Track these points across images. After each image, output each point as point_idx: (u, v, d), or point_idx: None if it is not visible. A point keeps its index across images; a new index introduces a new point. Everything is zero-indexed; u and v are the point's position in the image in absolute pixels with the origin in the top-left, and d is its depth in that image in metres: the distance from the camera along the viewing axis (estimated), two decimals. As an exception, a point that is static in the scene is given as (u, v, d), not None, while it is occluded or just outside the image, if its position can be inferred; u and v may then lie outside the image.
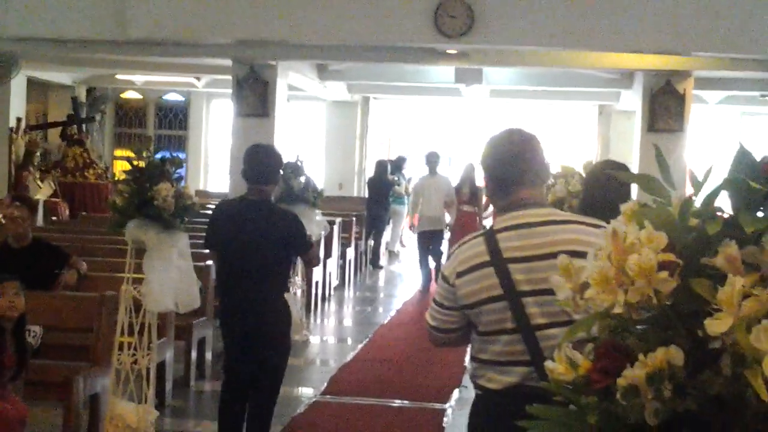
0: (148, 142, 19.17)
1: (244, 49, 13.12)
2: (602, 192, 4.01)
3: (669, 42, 11.61)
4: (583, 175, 5.15)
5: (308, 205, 9.93)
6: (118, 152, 20.72)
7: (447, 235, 13.96)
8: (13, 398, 5.22)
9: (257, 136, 12.97)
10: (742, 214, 1.53)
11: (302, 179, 10.22)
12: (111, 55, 14.61)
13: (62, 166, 16.90)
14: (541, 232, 3.07)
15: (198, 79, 19.31)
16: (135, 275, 5.84)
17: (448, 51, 13.08)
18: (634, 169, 12.44)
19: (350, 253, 14.64)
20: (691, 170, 1.75)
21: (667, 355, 1.53)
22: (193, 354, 8.08)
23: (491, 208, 12.62)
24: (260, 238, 5.67)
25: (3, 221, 6.87)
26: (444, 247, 13.82)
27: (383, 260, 17.59)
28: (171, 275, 5.74)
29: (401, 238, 19.33)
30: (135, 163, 5.85)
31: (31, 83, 17.40)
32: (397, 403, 7.81)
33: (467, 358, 3.40)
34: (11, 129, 15.89)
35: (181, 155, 20.42)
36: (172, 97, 21.71)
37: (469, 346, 3.29)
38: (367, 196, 17.69)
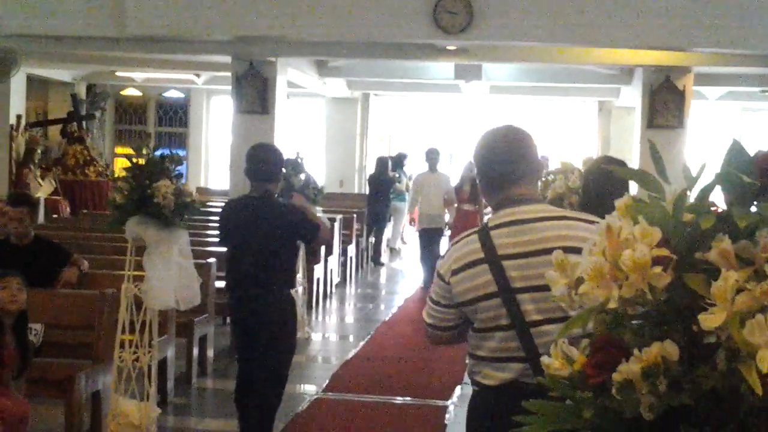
0: (148, 139, 19.22)
1: (244, 46, 13.12)
2: (600, 188, 4.02)
3: (669, 38, 11.60)
4: (582, 171, 5.16)
5: (309, 202, 9.93)
6: (119, 149, 20.72)
7: (447, 233, 13.93)
8: (15, 396, 5.23)
9: (257, 132, 13.01)
10: (735, 208, 1.54)
11: (302, 176, 10.24)
12: (111, 51, 14.59)
13: (63, 163, 16.90)
14: (535, 228, 3.08)
15: (198, 76, 19.31)
16: (136, 273, 5.85)
17: (447, 47, 13.08)
18: (634, 165, 12.45)
19: (351, 250, 14.64)
20: (685, 165, 1.76)
21: (662, 350, 1.54)
22: (195, 351, 8.09)
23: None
24: (264, 234, 5.85)
25: (3, 220, 6.89)
26: (443, 245, 13.79)
27: (384, 257, 17.60)
28: (171, 272, 5.75)
29: (402, 235, 19.33)
30: (134, 160, 5.85)
31: (31, 80, 17.39)
32: (399, 400, 7.82)
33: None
34: (11, 126, 15.90)
35: (182, 152, 20.41)
36: (172, 94, 21.70)
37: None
38: (367, 193, 17.68)
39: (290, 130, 16.45)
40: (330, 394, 7.98)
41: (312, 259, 11.21)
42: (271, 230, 5.86)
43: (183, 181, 6.24)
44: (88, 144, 17.55)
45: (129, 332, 5.81)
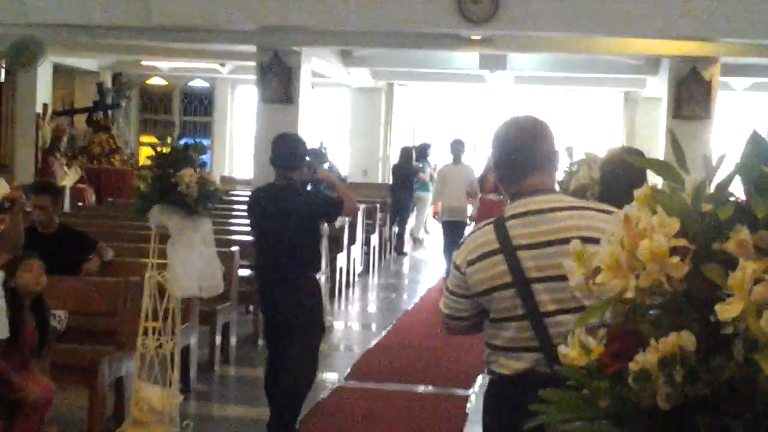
0: (172, 128, 19.30)
1: (268, 35, 13.14)
2: (617, 179, 4.00)
3: (695, 27, 11.53)
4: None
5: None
6: (144, 138, 20.81)
7: (471, 225, 13.84)
8: (40, 380, 5.29)
9: (281, 122, 13.03)
10: (754, 199, 1.53)
11: (326, 166, 10.26)
12: (136, 41, 14.67)
13: (88, 152, 17.00)
14: (550, 218, 3.09)
15: (222, 65, 19.36)
16: (159, 261, 5.88)
17: (472, 37, 13.05)
18: (660, 156, 12.39)
19: (374, 239, 14.63)
20: (705, 156, 1.75)
21: (679, 340, 1.54)
22: (218, 339, 8.13)
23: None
24: (287, 221, 6.04)
25: (27, 209, 6.94)
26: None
27: (407, 247, 17.60)
28: (194, 261, 5.78)
29: (425, 224, 19.31)
30: (159, 149, 5.88)
31: (58, 70, 17.50)
32: (421, 389, 7.84)
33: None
34: (38, 115, 16.01)
35: (206, 142, 20.50)
36: (197, 83, 21.77)
37: None
38: (391, 182, 17.67)
39: (314, 120, 16.47)
40: (352, 382, 8.00)
41: (335, 247, 11.23)
42: (294, 216, 6.04)
43: (207, 170, 6.27)
44: (113, 133, 17.65)
45: (152, 319, 5.85)
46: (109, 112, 18.25)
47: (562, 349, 1.77)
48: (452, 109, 23.22)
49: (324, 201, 6.44)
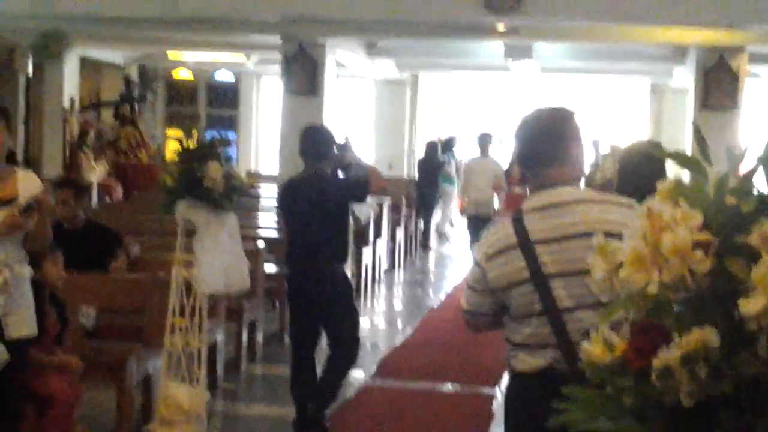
0: (198, 121, 19.34)
1: (293, 26, 13.15)
2: (637, 173, 3.97)
3: (723, 14, 11.43)
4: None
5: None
6: (170, 132, 20.88)
7: (497, 219, 13.70)
8: (67, 379, 5.32)
9: (306, 114, 13.04)
10: (777, 192, 1.51)
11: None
12: (162, 32, 14.72)
13: (115, 146, 17.08)
14: (567, 212, 3.06)
15: (247, 57, 19.38)
16: (186, 257, 5.88)
17: (497, 27, 13.00)
18: (687, 147, 12.30)
19: (400, 234, 14.56)
20: (728, 147, 1.73)
21: (703, 336, 1.52)
22: (244, 336, 8.12)
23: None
24: (318, 209, 6.16)
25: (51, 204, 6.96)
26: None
27: (433, 242, 17.53)
28: (221, 256, 5.77)
29: (451, 219, 19.22)
30: (184, 143, 5.88)
31: (84, 63, 17.58)
32: (448, 387, 7.81)
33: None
34: (65, 109, 16.09)
35: (232, 135, 20.54)
36: (223, 76, 21.81)
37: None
38: (416, 176, 17.60)
39: (339, 112, 16.46)
40: (378, 380, 7.98)
41: (361, 243, 11.20)
42: (323, 205, 6.15)
43: (232, 164, 6.28)
44: (140, 126, 17.71)
45: (179, 316, 5.86)
46: (136, 105, 18.32)
47: (585, 346, 1.76)
48: (478, 100, 23.15)
49: (351, 182, 6.56)
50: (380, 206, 11.96)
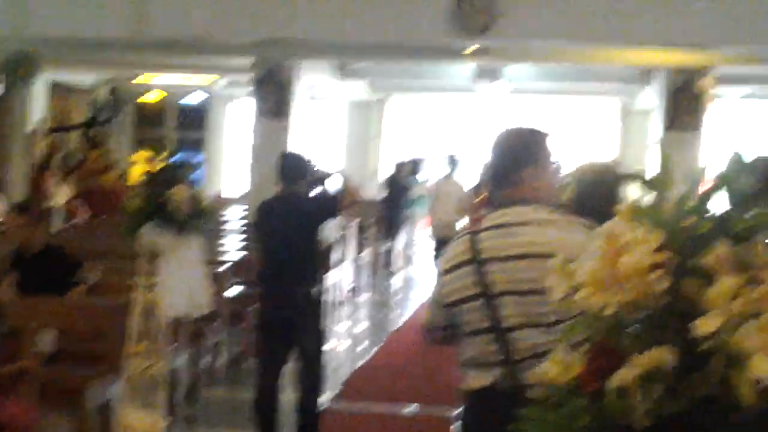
0: (165, 144, 19.25)
1: (264, 49, 13.16)
2: (589, 195, 3.94)
3: (691, 36, 11.56)
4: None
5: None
6: (137, 155, 20.73)
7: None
8: (24, 403, 5.24)
9: (277, 136, 13.05)
10: (733, 213, 1.51)
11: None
12: (131, 55, 14.68)
13: (82, 168, 16.98)
14: (518, 232, 3.08)
15: (217, 80, 19.36)
16: (149, 280, 5.84)
17: (467, 48, 13.06)
18: (650, 168, 12.38)
19: (366, 255, 14.51)
20: (689, 169, 1.74)
21: (658, 356, 1.52)
22: (207, 359, 8.04)
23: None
24: (290, 229, 6.19)
25: (6, 230, 6.88)
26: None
27: (398, 263, 17.46)
28: (184, 280, 5.75)
29: (416, 241, 19.11)
30: (150, 167, 5.87)
31: (53, 85, 17.49)
32: (410, 408, 7.78)
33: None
34: (32, 132, 15.98)
35: (200, 157, 20.49)
36: (192, 99, 21.76)
37: None
38: (382, 198, 17.53)
39: (310, 134, 16.44)
40: (341, 402, 7.92)
41: (326, 264, 11.10)
42: (295, 225, 6.21)
43: (199, 188, 6.27)
44: (107, 149, 17.63)
45: (140, 340, 5.80)
46: (104, 127, 18.24)
47: (543, 366, 1.75)
48: (448, 121, 23.20)
49: (323, 199, 6.63)
50: (346, 227, 11.94)
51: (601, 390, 1.55)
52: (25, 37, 12.76)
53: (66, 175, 16.33)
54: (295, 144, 13.57)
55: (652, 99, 15.37)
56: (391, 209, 16.53)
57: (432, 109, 22.87)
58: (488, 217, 3.22)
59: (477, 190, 13.50)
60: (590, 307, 1.61)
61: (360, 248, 14.07)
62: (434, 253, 13.30)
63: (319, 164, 10.38)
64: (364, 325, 12.17)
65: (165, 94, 21.13)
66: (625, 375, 1.51)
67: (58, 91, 18.22)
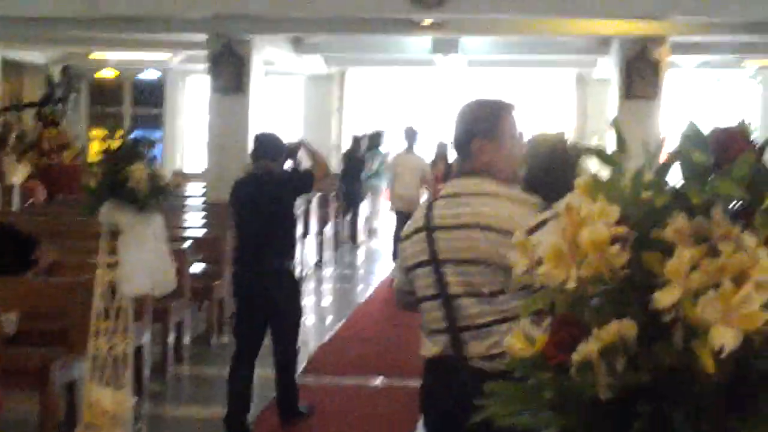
0: (121, 121, 19.10)
1: (219, 24, 13.06)
2: (541, 168, 3.95)
3: (645, 6, 11.62)
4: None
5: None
6: (94, 132, 20.59)
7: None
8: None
9: (234, 112, 12.98)
10: (689, 185, 1.53)
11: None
12: (84, 32, 14.50)
13: (38, 147, 16.79)
14: (463, 202, 3.20)
15: (173, 55, 19.19)
16: (110, 259, 5.81)
17: (423, 21, 13.05)
18: (611, 137, 12.47)
19: (328, 229, 14.54)
20: (644, 141, 1.76)
21: (620, 329, 1.54)
22: (171, 337, 8.04)
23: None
24: (264, 206, 6.35)
25: None
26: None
27: (362, 236, 17.52)
28: (146, 258, 5.71)
29: (380, 213, 19.20)
30: (108, 144, 5.81)
31: (5, 63, 17.26)
32: (378, 381, 7.82)
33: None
34: (-15, 111, 15.78)
35: (158, 134, 20.34)
36: (148, 74, 21.57)
37: None
38: (340, 171, 17.51)
39: (268, 109, 16.37)
40: (308, 376, 7.95)
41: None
42: (269, 202, 6.35)
43: (158, 164, 6.23)
44: (63, 127, 17.44)
45: (104, 319, 5.78)
46: (59, 106, 18.04)
47: (507, 341, 1.77)
48: (406, 94, 23.19)
49: (296, 174, 6.82)
50: (309, 201, 11.91)
51: (566, 363, 1.57)
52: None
53: (21, 155, 16.15)
54: (254, 119, 13.50)
55: (609, 69, 15.46)
56: (348, 183, 16.55)
57: (392, 82, 22.85)
58: (445, 187, 3.37)
59: (434, 164, 13.62)
60: (551, 281, 1.63)
61: (322, 222, 14.09)
62: (396, 226, 13.32)
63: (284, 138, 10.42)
64: (328, 299, 12.21)
65: (118, 72, 20.92)
66: (588, 348, 1.53)
67: (11, 69, 17.98)
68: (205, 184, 14.56)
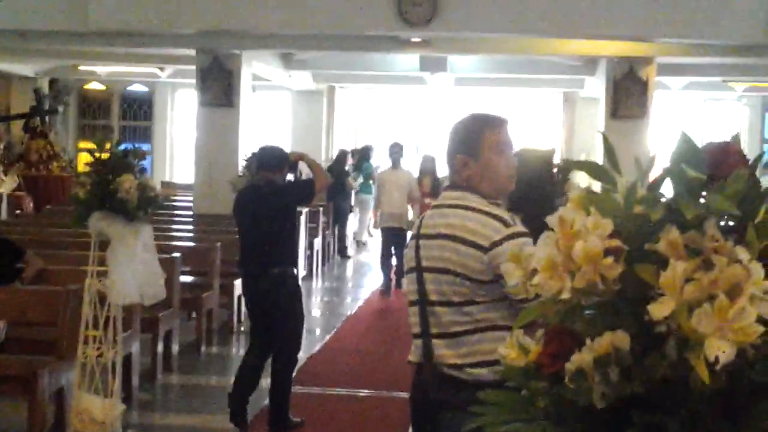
0: (111, 133, 19.08)
1: (208, 39, 13.07)
2: (526, 183, 3.95)
3: (632, 28, 11.70)
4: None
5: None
6: (83, 144, 20.57)
7: (410, 233, 13.55)
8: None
9: (222, 126, 12.98)
10: (682, 200, 1.56)
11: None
12: (74, 46, 14.50)
13: (26, 158, 16.77)
14: (444, 213, 3.32)
15: (162, 69, 19.21)
16: (99, 268, 5.82)
17: (412, 39, 13.10)
18: (598, 156, 12.53)
19: (318, 243, 14.57)
20: (637, 157, 1.79)
21: (614, 340, 1.56)
22: (160, 346, 8.05)
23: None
24: (264, 214, 6.56)
25: None
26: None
27: (350, 250, 17.56)
28: (135, 267, 5.73)
29: (369, 227, 19.22)
30: (97, 155, 5.82)
31: (-6, 75, 17.25)
32: (366, 392, 7.83)
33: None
34: (-27, 122, 15.74)
35: (146, 146, 20.34)
36: (137, 88, 21.57)
37: None
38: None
39: (256, 123, 16.38)
40: (297, 387, 7.95)
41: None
42: (271, 211, 6.55)
43: (147, 176, 6.23)
44: (51, 139, 17.43)
45: (93, 328, 5.78)
46: (47, 118, 18.02)
47: (501, 351, 1.79)
48: (394, 111, 23.26)
49: (298, 183, 7.20)
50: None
51: (560, 373, 1.59)
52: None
53: (9, 166, 16.12)
54: (243, 134, 13.52)
55: (597, 88, 15.54)
56: (334, 197, 16.57)
57: (380, 99, 22.91)
58: (435, 199, 3.52)
59: (420, 178, 13.59)
60: (546, 291, 1.66)
61: (311, 236, 14.11)
62: (382, 243, 13.26)
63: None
64: (317, 311, 12.21)
65: (106, 88, 20.91)
66: (582, 357, 1.55)
67: None
68: (190, 196, 14.57)
